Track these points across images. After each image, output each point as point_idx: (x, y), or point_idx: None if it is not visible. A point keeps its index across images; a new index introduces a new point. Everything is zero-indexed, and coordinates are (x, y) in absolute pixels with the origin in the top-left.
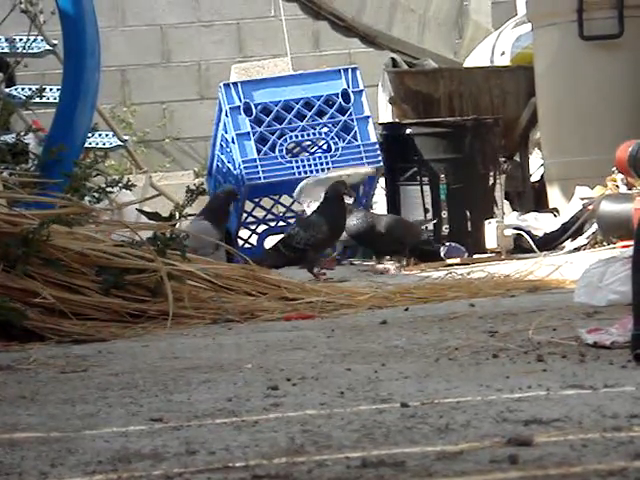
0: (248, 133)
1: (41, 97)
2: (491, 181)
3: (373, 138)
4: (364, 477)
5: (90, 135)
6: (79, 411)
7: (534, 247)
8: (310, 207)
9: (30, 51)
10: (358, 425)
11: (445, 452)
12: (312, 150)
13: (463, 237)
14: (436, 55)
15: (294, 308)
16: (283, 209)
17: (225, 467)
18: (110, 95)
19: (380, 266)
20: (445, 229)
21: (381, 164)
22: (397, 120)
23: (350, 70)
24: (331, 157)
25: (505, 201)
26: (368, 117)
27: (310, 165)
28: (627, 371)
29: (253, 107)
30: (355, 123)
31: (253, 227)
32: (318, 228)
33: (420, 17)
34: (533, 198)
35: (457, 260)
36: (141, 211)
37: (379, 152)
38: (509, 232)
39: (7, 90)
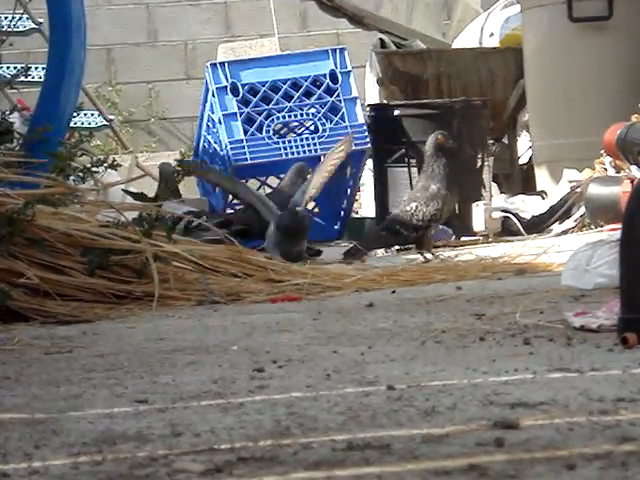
0: (235, 113)
1: (26, 76)
2: (479, 163)
3: (361, 119)
4: (350, 459)
5: (75, 114)
6: (64, 392)
7: (522, 230)
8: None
9: (15, 29)
10: (344, 407)
11: (431, 435)
12: (299, 131)
13: (451, 219)
14: (424, 36)
15: (280, 290)
16: (270, 190)
17: (210, 449)
18: (96, 74)
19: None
20: None
21: (369, 146)
22: (385, 101)
23: (338, 51)
24: (318, 138)
25: (493, 183)
26: (356, 98)
27: (297, 146)
28: (614, 354)
29: (240, 87)
30: (343, 104)
31: (239, 208)
32: (441, 200)
33: None
34: (521, 180)
35: (444, 242)
36: (127, 191)
37: (367, 133)
38: (497, 215)
39: None
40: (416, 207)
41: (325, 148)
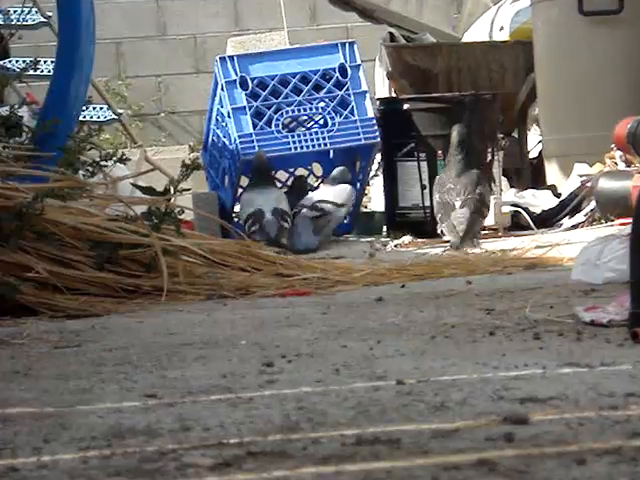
0: (244, 107)
1: (35, 69)
2: (489, 157)
3: (370, 113)
4: (359, 454)
5: (85, 108)
6: (73, 386)
7: (532, 224)
8: None
9: (24, 23)
10: (353, 402)
11: (440, 430)
12: (309, 125)
13: None
14: (434, 30)
15: (289, 284)
16: (279, 184)
17: (219, 443)
18: (105, 68)
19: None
20: None
21: (378, 140)
22: (394, 95)
23: (347, 44)
24: (328, 132)
25: (503, 178)
26: (365, 92)
27: (307, 140)
28: (624, 349)
29: (249, 81)
30: (352, 98)
31: None
32: (488, 185)
33: None
34: (531, 175)
35: None
36: (136, 185)
37: (376, 127)
38: (507, 209)
39: (1, 62)
40: (484, 189)
41: (334, 142)
